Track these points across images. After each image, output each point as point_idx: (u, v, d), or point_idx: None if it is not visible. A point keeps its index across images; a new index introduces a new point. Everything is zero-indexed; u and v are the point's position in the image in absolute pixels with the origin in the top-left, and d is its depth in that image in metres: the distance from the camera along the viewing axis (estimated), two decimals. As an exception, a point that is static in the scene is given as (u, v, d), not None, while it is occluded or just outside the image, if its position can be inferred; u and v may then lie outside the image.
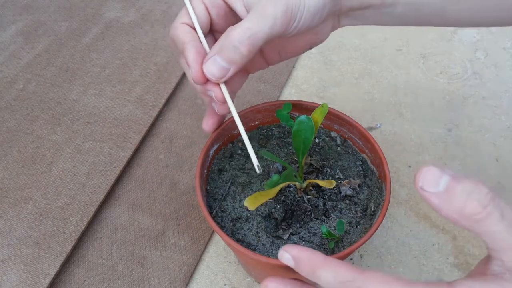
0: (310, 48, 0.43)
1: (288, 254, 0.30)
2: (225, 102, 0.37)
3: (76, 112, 0.63)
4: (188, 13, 0.37)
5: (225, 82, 0.37)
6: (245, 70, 0.43)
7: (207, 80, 0.36)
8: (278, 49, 0.42)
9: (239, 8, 0.37)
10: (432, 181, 0.25)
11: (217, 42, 0.35)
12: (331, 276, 0.28)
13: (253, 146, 0.48)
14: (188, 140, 0.61)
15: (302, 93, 0.67)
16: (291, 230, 0.42)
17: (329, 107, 0.44)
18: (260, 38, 0.34)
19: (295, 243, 0.41)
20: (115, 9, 0.79)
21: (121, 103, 0.64)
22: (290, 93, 0.67)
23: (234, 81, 0.41)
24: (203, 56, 0.36)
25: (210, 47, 0.38)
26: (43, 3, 0.80)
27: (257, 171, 0.37)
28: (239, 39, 0.33)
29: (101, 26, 0.76)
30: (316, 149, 0.48)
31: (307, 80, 0.69)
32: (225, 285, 0.49)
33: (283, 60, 0.43)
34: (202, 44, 0.37)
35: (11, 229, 0.52)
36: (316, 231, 0.42)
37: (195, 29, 0.37)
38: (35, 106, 0.64)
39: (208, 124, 0.42)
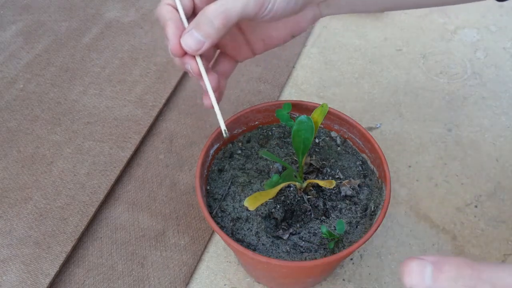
0: (293, 36, 0.44)
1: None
2: (200, 74, 0.39)
3: (76, 112, 0.63)
4: None
5: (213, 68, 0.41)
6: (231, 57, 0.45)
7: (185, 53, 0.38)
8: (262, 37, 0.44)
9: None
10: (419, 277, 0.25)
11: (194, 18, 0.37)
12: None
13: (253, 146, 0.48)
14: (188, 140, 0.61)
15: (302, 93, 0.67)
16: (291, 230, 0.42)
17: (329, 107, 0.44)
18: (234, 14, 0.36)
19: (295, 243, 0.41)
20: (115, 9, 0.79)
21: (121, 103, 0.64)
22: (290, 93, 0.67)
23: (223, 66, 0.45)
24: (182, 31, 0.38)
25: None
26: (43, 3, 0.80)
27: (224, 135, 0.39)
28: (213, 14, 0.36)
29: (101, 26, 0.76)
30: (316, 149, 0.48)
31: (307, 80, 0.69)
32: (225, 285, 0.49)
33: (268, 49, 0.45)
34: (181, 22, 0.39)
35: (11, 229, 0.52)
36: (316, 231, 0.42)
37: (177, 10, 0.40)
38: (35, 106, 0.64)
39: (207, 99, 0.43)
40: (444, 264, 0.25)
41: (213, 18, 0.36)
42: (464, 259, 0.25)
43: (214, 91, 0.40)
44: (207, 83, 0.39)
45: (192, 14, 0.41)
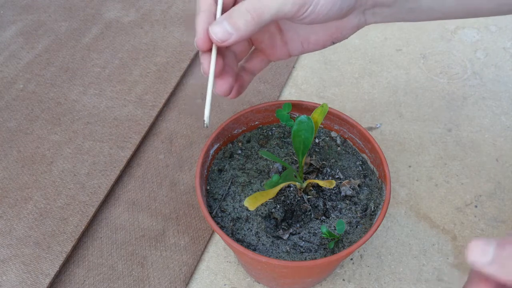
0: (333, 43, 0.43)
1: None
2: (207, 75, 0.39)
3: (76, 112, 0.63)
4: None
5: (244, 63, 0.41)
6: (265, 56, 0.44)
7: (210, 46, 0.38)
8: (300, 39, 0.43)
9: None
10: (481, 253, 0.26)
11: (229, 10, 0.37)
12: None
13: (253, 146, 0.48)
14: (188, 140, 0.61)
15: (302, 93, 0.67)
16: (291, 230, 0.42)
17: (329, 107, 0.44)
18: (268, 12, 0.35)
19: (295, 243, 0.41)
20: (115, 9, 0.79)
21: (121, 103, 0.64)
22: (290, 93, 0.67)
23: (254, 64, 0.44)
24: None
25: None
26: (43, 3, 0.80)
27: (204, 125, 0.38)
28: (248, 8, 0.35)
29: (101, 26, 0.76)
30: (316, 149, 0.48)
31: (307, 80, 0.69)
32: (225, 285, 0.49)
33: (304, 52, 0.44)
34: (214, 16, 0.38)
35: (11, 229, 0.52)
36: (316, 231, 0.42)
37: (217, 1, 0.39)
38: (35, 106, 0.64)
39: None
40: (507, 243, 0.26)
41: (246, 12, 0.35)
42: None
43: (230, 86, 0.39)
44: (209, 88, 0.38)
45: (232, 6, 0.40)
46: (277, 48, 0.44)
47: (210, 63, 0.38)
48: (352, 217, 0.42)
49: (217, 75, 0.39)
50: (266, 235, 0.41)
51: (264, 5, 0.35)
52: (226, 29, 0.36)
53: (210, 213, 0.42)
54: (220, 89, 0.41)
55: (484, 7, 0.41)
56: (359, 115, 0.64)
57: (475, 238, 0.27)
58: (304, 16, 0.36)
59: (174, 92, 0.66)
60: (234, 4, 0.40)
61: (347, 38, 0.43)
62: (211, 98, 0.38)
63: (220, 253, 0.51)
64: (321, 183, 0.40)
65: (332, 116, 0.47)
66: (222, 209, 0.43)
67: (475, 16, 0.42)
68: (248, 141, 0.48)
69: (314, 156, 0.47)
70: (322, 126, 0.49)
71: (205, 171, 0.44)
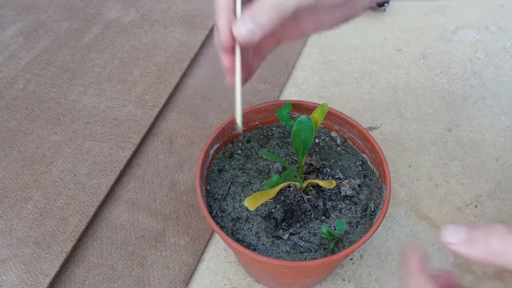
0: (346, 21, 0.42)
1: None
2: (233, 72, 0.39)
3: (76, 112, 0.63)
4: None
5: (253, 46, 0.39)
6: (277, 37, 0.44)
7: (233, 46, 0.38)
8: (314, 20, 0.42)
9: None
10: (453, 234, 0.29)
11: (250, 7, 0.36)
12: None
13: (253, 146, 0.48)
14: (188, 140, 0.61)
15: (302, 93, 0.67)
16: (291, 230, 0.42)
17: (329, 107, 0.44)
18: (290, 6, 0.35)
19: (295, 243, 0.41)
20: (115, 9, 0.79)
21: (121, 103, 0.64)
22: (290, 93, 0.67)
23: (263, 45, 0.43)
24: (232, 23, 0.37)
25: None
26: (43, 3, 0.80)
27: (238, 129, 0.38)
28: (270, 4, 0.35)
29: (101, 26, 0.76)
30: (316, 149, 0.47)
31: (307, 80, 0.69)
32: (225, 285, 0.49)
33: (317, 32, 0.43)
34: (235, 14, 0.38)
35: (11, 229, 0.52)
36: (316, 231, 0.42)
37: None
38: (35, 106, 0.64)
39: (231, 78, 0.43)
40: (478, 227, 0.29)
41: (269, 8, 0.35)
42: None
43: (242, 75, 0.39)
44: (238, 89, 0.38)
45: (249, 1, 0.40)
46: (288, 29, 0.43)
47: (236, 64, 0.38)
48: (352, 217, 0.42)
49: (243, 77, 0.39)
50: (266, 235, 0.41)
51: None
52: (250, 27, 0.36)
53: (210, 213, 0.42)
54: (228, 78, 0.41)
55: None
56: (359, 115, 0.64)
57: (447, 224, 0.29)
58: (324, 1, 0.36)
59: (174, 92, 0.66)
60: None
61: (359, 15, 0.42)
62: (241, 100, 0.38)
63: (220, 253, 0.51)
64: (321, 183, 0.40)
65: (332, 116, 0.47)
66: (222, 209, 0.43)
67: None
68: (248, 141, 0.48)
69: (314, 156, 0.47)
70: (322, 126, 0.49)
71: (205, 171, 0.44)
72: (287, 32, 0.43)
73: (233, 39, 0.37)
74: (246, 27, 0.36)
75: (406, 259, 0.31)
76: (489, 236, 0.28)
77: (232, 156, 0.47)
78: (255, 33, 0.36)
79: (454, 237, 0.29)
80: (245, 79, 0.42)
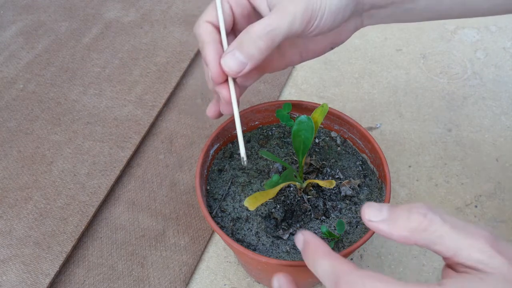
0: (331, 48, 0.43)
1: (302, 237, 0.31)
2: (230, 103, 0.38)
3: (76, 112, 0.63)
4: (213, 11, 0.38)
5: (239, 77, 0.39)
6: (261, 68, 0.43)
7: (225, 79, 0.37)
8: (300, 50, 0.42)
9: (262, 8, 0.38)
10: (376, 212, 0.29)
11: (237, 38, 0.36)
12: (329, 265, 0.29)
13: (253, 146, 0.48)
14: (188, 140, 0.61)
15: (302, 93, 0.67)
16: (291, 230, 0.42)
17: (329, 107, 0.44)
18: (279, 34, 0.34)
19: (295, 243, 0.41)
20: (115, 9, 0.79)
21: (121, 103, 0.64)
22: (290, 93, 0.67)
23: (248, 77, 0.42)
24: (221, 55, 0.37)
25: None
26: (43, 3, 0.80)
27: (243, 163, 0.38)
28: (259, 34, 0.34)
29: (101, 26, 0.76)
30: (316, 149, 0.48)
31: (307, 80, 0.69)
32: (225, 285, 0.49)
33: (303, 61, 0.44)
34: (222, 45, 0.38)
35: (11, 229, 0.52)
36: (316, 231, 0.42)
37: (217, 28, 0.38)
38: (35, 106, 0.64)
39: (211, 111, 0.43)
40: (398, 206, 0.29)
41: (257, 39, 0.34)
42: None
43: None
44: (236, 113, 0.38)
45: (231, 30, 0.39)
46: (274, 61, 0.42)
47: (231, 96, 0.37)
48: (352, 217, 0.42)
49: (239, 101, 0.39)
50: (266, 235, 0.41)
51: (275, 28, 0.34)
52: (239, 59, 0.35)
53: (210, 213, 0.42)
54: (210, 112, 0.40)
55: (480, 7, 0.41)
56: (359, 115, 0.64)
57: (367, 202, 0.30)
58: (311, 30, 0.36)
59: (174, 92, 0.66)
60: (234, 25, 0.39)
61: (344, 42, 0.43)
62: (242, 133, 0.38)
63: (220, 253, 0.51)
64: (321, 183, 0.40)
65: (332, 116, 0.47)
66: (222, 209, 0.43)
67: (470, 16, 0.42)
68: (248, 141, 0.48)
69: (314, 156, 0.47)
70: (322, 126, 0.49)
71: (205, 171, 0.44)
72: (271, 63, 0.43)
73: (224, 73, 0.36)
74: (236, 60, 0.35)
75: (308, 246, 0.31)
76: (410, 213, 0.28)
77: (232, 156, 0.47)
78: (245, 65, 0.35)
79: (376, 215, 0.29)
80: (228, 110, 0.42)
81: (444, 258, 0.28)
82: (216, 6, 0.38)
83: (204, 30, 0.37)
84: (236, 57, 0.35)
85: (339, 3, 0.36)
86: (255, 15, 0.39)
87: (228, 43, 0.38)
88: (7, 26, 0.76)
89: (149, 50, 0.71)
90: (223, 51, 0.37)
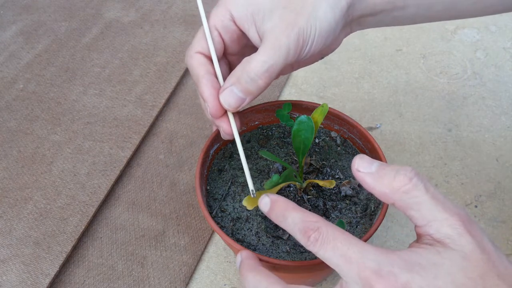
0: (322, 58, 0.43)
1: (268, 198, 0.32)
2: (232, 135, 0.38)
3: (76, 112, 0.63)
4: (202, 40, 0.38)
5: None
6: None
7: (224, 113, 0.37)
8: (291, 64, 0.42)
9: (252, 34, 0.38)
10: (366, 164, 0.30)
11: (233, 73, 0.36)
12: (299, 216, 0.30)
13: (253, 146, 0.48)
14: (188, 140, 0.61)
15: (302, 93, 0.67)
16: (291, 230, 0.42)
17: (329, 107, 0.44)
18: (276, 70, 0.35)
19: (295, 243, 0.41)
20: (115, 9, 0.79)
21: (121, 103, 0.64)
22: (290, 93, 0.67)
23: None
24: (218, 89, 0.36)
25: (223, 70, 0.39)
26: (43, 3, 0.80)
27: (252, 195, 0.38)
28: (256, 72, 0.34)
29: (101, 26, 0.76)
30: (316, 149, 0.48)
31: (307, 80, 0.69)
32: (225, 285, 0.49)
33: (294, 71, 0.44)
34: (217, 78, 0.38)
35: (11, 229, 0.52)
36: (316, 231, 0.42)
37: (209, 58, 0.38)
38: (35, 106, 0.64)
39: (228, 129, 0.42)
40: (391, 164, 0.30)
41: (256, 77, 0.34)
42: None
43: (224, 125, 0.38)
44: (239, 143, 0.38)
45: (222, 55, 0.40)
46: None
47: (232, 129, 0.37)
48: (352, 217, 0.42)
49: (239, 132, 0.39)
50: (266, 235, 0.41)
51: (272, 65, 0.34)
52: (238, 96, 0.35)
53: (210, 213, 0.42)
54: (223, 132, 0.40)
55: (469, 11, 0.41)
56: (359, 115, 0.64)
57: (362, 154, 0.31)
58: (303, 56, 0.36)
59: (174, 92, 0.66)
60: (224, 50, 0.39)
61: (334, 51, 0.43)
62: (247, 166, 0.38)
63: (220, 253, 0.51)
64: (321, 183, 0.40)
65: (332, 116, 0.47)
66: (222, 209, 0.43)
67: (459, 18, 0.43)
68: (248, 141, 0.48)
69: (314, 156, 0.47)
70: (322, 126, 0.49)
71: (205, 171, 0.44)
72: None
73: (222, 108, 0.36)
74: (235, 96, 0.35)
75: (277, 203, 0.32)
76: (397, 174, 0.28)
77: (232, 156, 0.47)
78: (244, 100, 0.35)
79: (365, 167, 0.30)
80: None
81: (416, 227, 0.29)
82: (206, 36, 0.37)
83: (196, 62, 0.37)
84: (235, 93, 0.35)
85: (329, 27, 0.36)
86: (244, 37, 0.39)
87: (221, 69, 0.38)
88: (7, 26, 0.76)
89: (149, 50, 0.71)
90: (218, 84, 0.37)
